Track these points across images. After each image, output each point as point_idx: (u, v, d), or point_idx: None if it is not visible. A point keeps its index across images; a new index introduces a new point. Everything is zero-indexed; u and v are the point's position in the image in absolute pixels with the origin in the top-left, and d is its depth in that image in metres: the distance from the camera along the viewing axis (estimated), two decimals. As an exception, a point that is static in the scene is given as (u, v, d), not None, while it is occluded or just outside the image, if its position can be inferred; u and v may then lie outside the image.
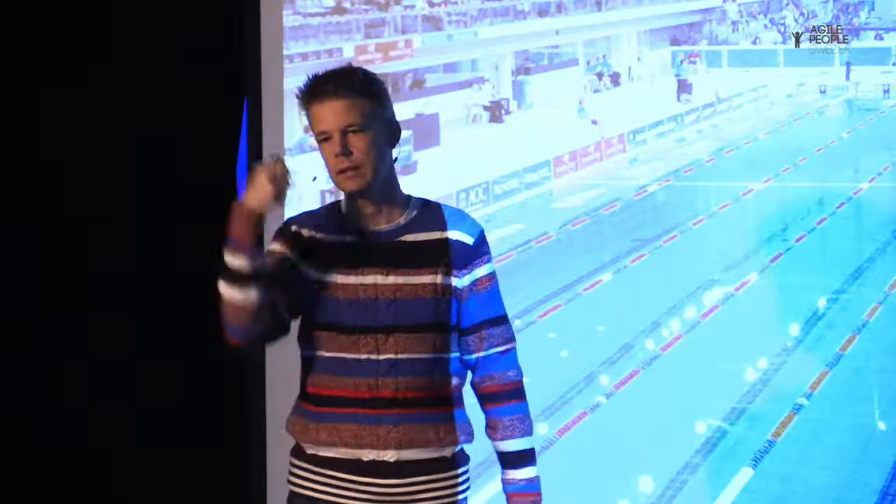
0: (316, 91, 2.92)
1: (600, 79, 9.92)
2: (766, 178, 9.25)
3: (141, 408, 4.96)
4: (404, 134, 9.38)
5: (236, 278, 2.80)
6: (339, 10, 6.38)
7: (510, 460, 2.99)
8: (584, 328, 7.53)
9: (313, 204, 5.87)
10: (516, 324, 7.62)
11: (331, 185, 7.85)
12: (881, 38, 8.22)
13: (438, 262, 2.93)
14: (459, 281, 2.95)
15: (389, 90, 2.97)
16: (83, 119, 5.01)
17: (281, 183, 2.78)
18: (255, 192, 2.79)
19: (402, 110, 9.60)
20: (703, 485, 5.86)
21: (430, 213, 3.00)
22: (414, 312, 2.91)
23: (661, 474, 5.88)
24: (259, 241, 2.84)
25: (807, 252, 8.49)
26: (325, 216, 3.00)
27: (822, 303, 7.76)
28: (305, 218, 3.01)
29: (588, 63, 9.98)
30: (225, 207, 2.89)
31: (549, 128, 9.45)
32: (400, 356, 2.90)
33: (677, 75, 9.59)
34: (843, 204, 8.91)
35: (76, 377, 4.98)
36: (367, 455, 2.92)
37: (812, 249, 8.54)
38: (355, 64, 3.10)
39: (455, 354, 2.97)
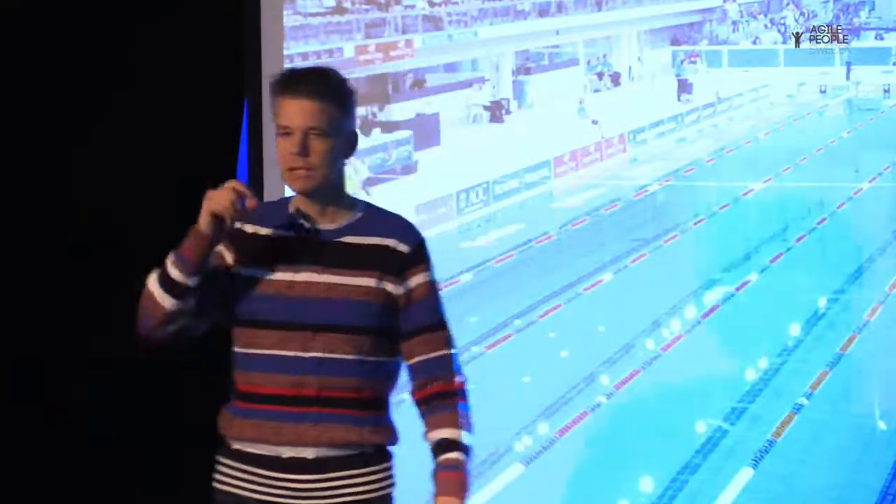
0: (291, 85, 2.96)
1: (601, 78, 9.92)
2: (766, 178, 9.25)
3: (140, 408, 4.97)
4: (404, 134, 9.46)
5: (170, 286, 2.92)
6: (339, 9, 6.37)
7: (442, 446, 2.91)
8: (584, 328, 7.54)
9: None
10: (516, 323, 7.69)
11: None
12: (881, 38, 8.22)
13: (374, 266, 2.95)
14: (395, 288, 2.96)
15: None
16: (83, 119, 5.01)
17: (241, 199, 2.86)
18: (216, 200, 2.86)
19: (402, 110, 9.61)
20: (703, 485, 5.86)
21: (374, 218, 3.03)
22: (344, 313, 2.93)
23: (661, 474, 5.88)
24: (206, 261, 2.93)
25: (807, 252, 8.49)
26: (272, 210, 3.04)
27: (822, 303, 7.76)
28: (253, 212, 3.00)
29: (588, 63, 9.98)
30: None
31: (550, 128, 9.45)
32: (327, 355, 2.92)
33: (678, 75, 9.59)
34: (843, 204, 8.92)
35: (76, 377, 4.99)
36: (287, 452, 2.94)
37: (812, 249, 8.55)
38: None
39: (384, 359, 2.98)
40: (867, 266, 8.10)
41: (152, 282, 2.95)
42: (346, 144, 3.00)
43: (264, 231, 3.00)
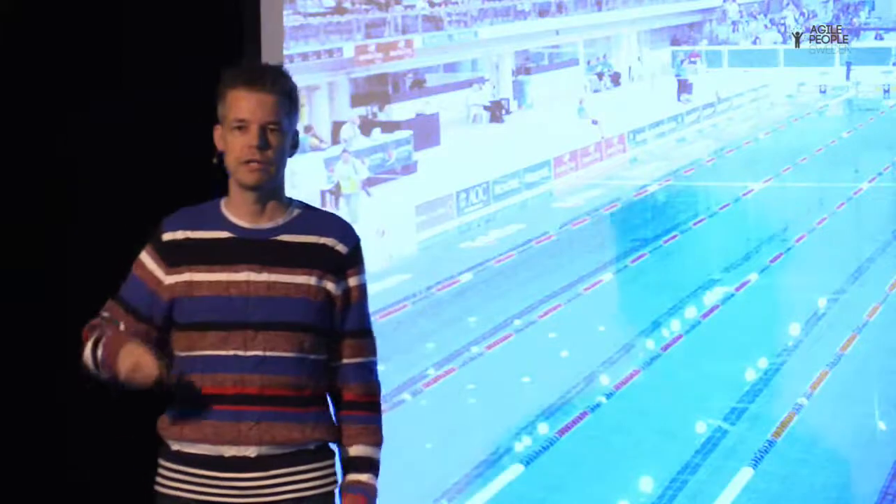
0: (250, 78, 2.94)
1: (601, 79, 9.93)
2: (766, 178, 9.26)
3: (137, 407, 4.96)
4: (404, 134, 9.43)
5: (101, 375, 2.94)
6: (339, 9, 6.38)
7: (354, 464, 2.97)
8: (584, 328, 7.54)
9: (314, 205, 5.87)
10: (516, 323, 7.69)
11: (331, 185, 7.87)
12: (881, 38, 8.24)
13: (314, 265, 2.94)
14: (335, 287, 2.96)
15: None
16: (83, 119, 5.01)
17: (159, 383, 2.85)
18: (137, 375, 2.85)
19: (403, 110, 9.61)
20: (703, 485, 5.86)
21: (311, 216, 3.01)
22: (284, 311, 2.91)
23: (661, 474, 5.88)
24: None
25: (807, 252, 8.50)
26: (203, 214, 3.02)
27: (822, 303, 7.77)
28: (180, 219, 3.03)
29: (588, 63, 9.98)
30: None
31: (550, 128, 9.47)
32: (268, 353, 2.91)
33: (677, 75, 9.60)
34: (843, 204, 8.92)
35: (73, 376, 4.99)
36: (228, 451, 2.92)
37: (812, 249, 8.56)
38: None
39: (324, 357, 2.97)
40: (867, 266, 8.11)
41: (87, 358, 2.98)
42: (291, 143, 3.01)
43: (197, 235, 2.99)
